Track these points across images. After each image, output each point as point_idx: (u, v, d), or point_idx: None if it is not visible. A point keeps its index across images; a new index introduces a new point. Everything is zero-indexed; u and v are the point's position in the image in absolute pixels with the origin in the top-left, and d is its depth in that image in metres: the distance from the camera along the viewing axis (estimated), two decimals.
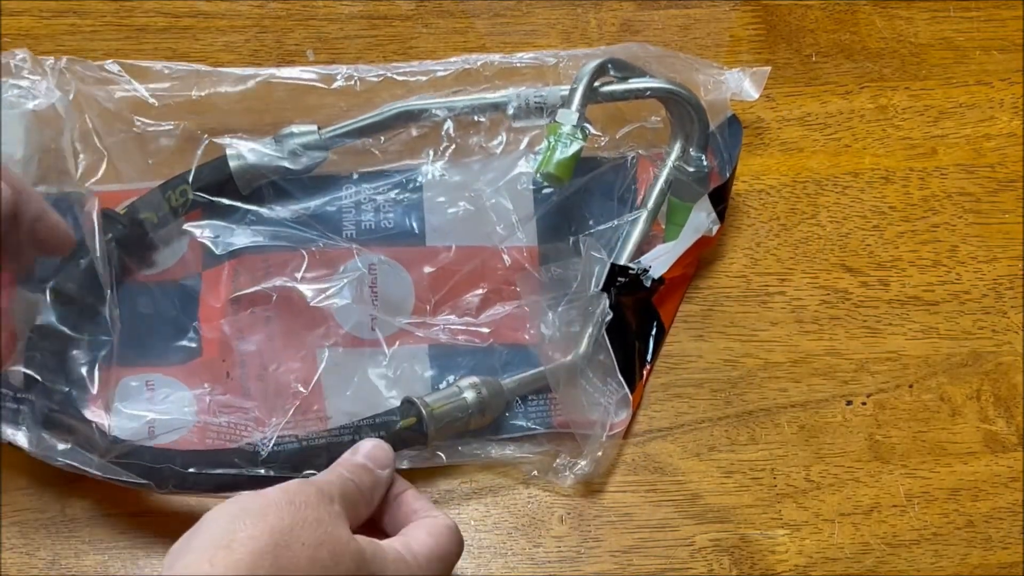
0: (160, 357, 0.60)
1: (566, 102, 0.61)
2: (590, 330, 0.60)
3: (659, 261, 0.62)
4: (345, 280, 0.61)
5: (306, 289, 0.60)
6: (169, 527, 0.57)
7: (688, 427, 0.61)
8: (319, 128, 0.63)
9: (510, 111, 0.63)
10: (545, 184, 0.62)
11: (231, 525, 0.46)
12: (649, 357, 0.62)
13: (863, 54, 0.71)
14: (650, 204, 0.64)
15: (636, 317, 0.61)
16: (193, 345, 0.60)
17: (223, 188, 0.62)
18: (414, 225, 0.63)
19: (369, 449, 0.54)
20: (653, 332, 0.62)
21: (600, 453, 0.58)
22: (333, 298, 0.60)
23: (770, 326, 0.64)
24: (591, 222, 0.64)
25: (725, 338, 0.63)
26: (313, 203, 0.63)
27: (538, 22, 0.72)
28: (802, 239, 0.66)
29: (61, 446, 0.55)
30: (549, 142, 0.59)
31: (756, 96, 0.66)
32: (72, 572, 0.56)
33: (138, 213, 0.62)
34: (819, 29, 0.72)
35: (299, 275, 0.61)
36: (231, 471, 0.55)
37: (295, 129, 0.63)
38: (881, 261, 0.65)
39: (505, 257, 0.62)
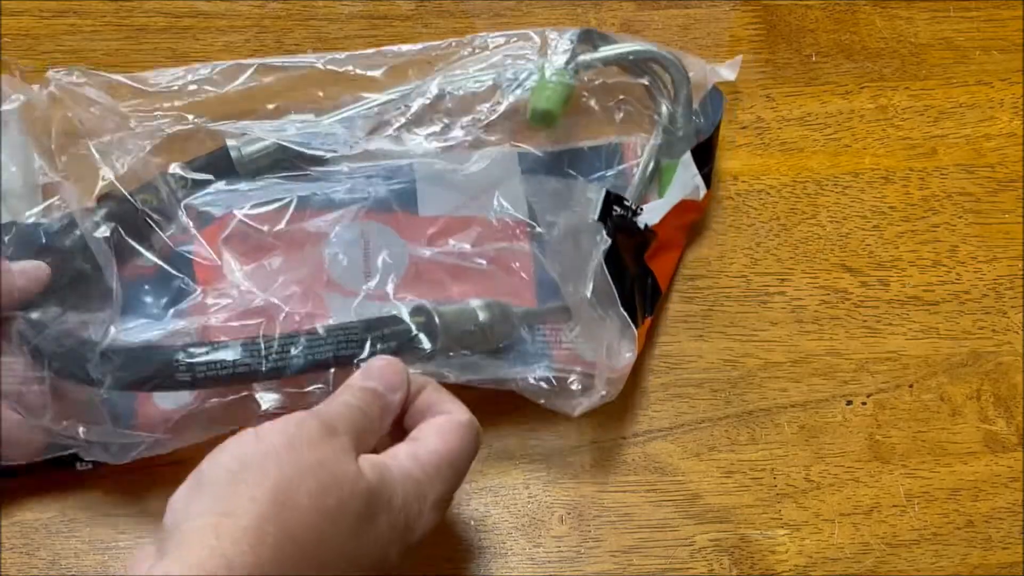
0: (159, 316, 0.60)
1: (553, 60, 0.63)
2: (591, 262, 0.59)
3: (650, 213, 0.62)
4: (342, 235, 0.61)
5: (308, 226, 0.61)
6: None
7: (688, 427, 0.61)
8: (316, 115, 0.63)
9: (504, 78, 0.64)
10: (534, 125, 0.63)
11: (232, 486, 0.45)
12: (648, 309, 0.62)
13: (863, 54, 0.71)
14: (642, 162, 0.65)
15: (633, 262, 0.62)
16: (194, 302, 0.60)
17: (222, 174, 0.63)
18: (406, 195, 0.63)
19: (380, 370, 0.51)
20: (649, 283, 0.62)
21: (607, 390, 0.57)
22: (331, 247, 0.61)
23: (770, 326, 0.64)
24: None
25: (725, 338, 0.63)
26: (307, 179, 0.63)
27: (538, 22, 0.72)
28: (802, 239, 0.66)
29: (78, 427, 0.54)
30: (540, 82, 0.62)
31: (733, 77, 0.67)
32: (72, 572, 0.56)
33: (137, 196, 0.61)
34: (819, 29, 0.72)
35: (296, 224, 0.61)
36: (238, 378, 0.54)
37: (293, 118, 0.63)
38: (881, 261, 0.66)
39: (496, 222, 0.63)
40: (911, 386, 0.62)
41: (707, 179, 0.65)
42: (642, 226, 0.61)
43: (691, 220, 0.65)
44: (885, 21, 0.73)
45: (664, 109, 0.66)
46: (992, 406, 0.62)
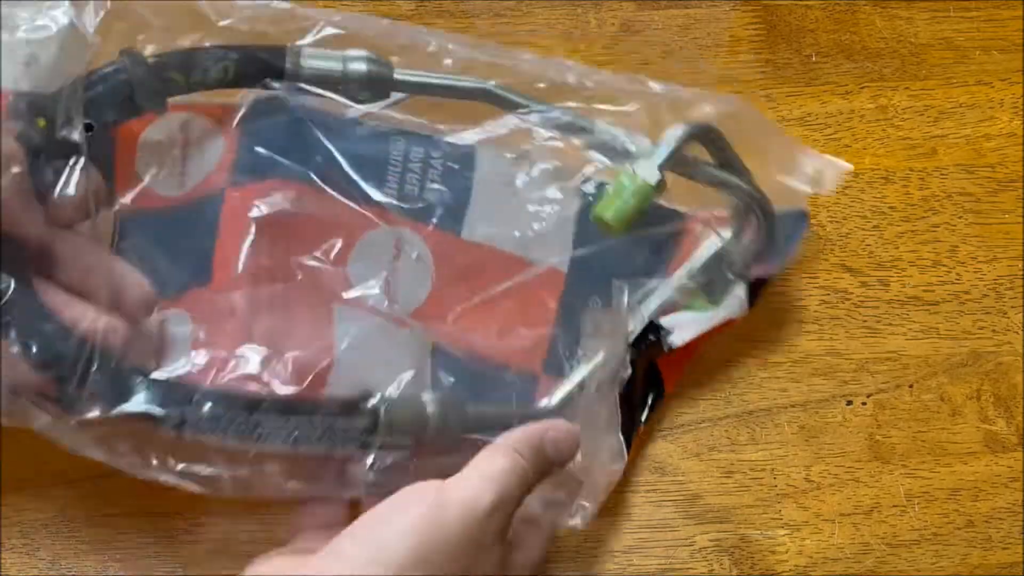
0: (166, 286, 0.56)
1: (649, 155, 0.57)
2: (602, 382, 0.57)
3: (681, 330, 0.59)
4: (369, 254, 0.58)
5: (327, 266, 0.57)
6: (169, 528, 0.57)
7: (688, 427, 0.61)
8: (391, 67, 0.59)
9: (590, 137, 0.59)
10: (594, 222, 0.57)
11: None
12: (644, 418, 0.60)
13: (863, 54, 0.71)
14: (690, 274, 0.60)
15: (643, 371, 0.59)
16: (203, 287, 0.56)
17: (266, 72, 0.57)
18: (456, 208, 0.59)
19: (559, 447, 0.51)
20: (655, 391, 0.60)
21: (595, 504, 0.55)
22: (352, 263, 0.57)
23: (770, 326, 0.64)
24: (623, 266, 0.60)
25: (725, 338, 0.63)
26: (360, 148, 0.59)
27: (538, 22, 0.72)
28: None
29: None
30: (620, 187, 0.56)
31: (831, 189, 0.62)
32: (72, 572, 0.56)
33: (165, 71, 0.55)
34: (819, 29, 0.72)
35: (324, 248, 0.57)
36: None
37: (367, 54, 0.58)
38: (881, 261, 0.66)
39: (532, 275, 0.59)
40: (911, 386, 0.62)
41: (752, 301, 0.61)
42: (667, 349, 0.59)
43: (721, 331, 0.61)
44: (885, 21, 0.73)
45: (730, 237, 0.60)
46: (992, 406, 0.62)
